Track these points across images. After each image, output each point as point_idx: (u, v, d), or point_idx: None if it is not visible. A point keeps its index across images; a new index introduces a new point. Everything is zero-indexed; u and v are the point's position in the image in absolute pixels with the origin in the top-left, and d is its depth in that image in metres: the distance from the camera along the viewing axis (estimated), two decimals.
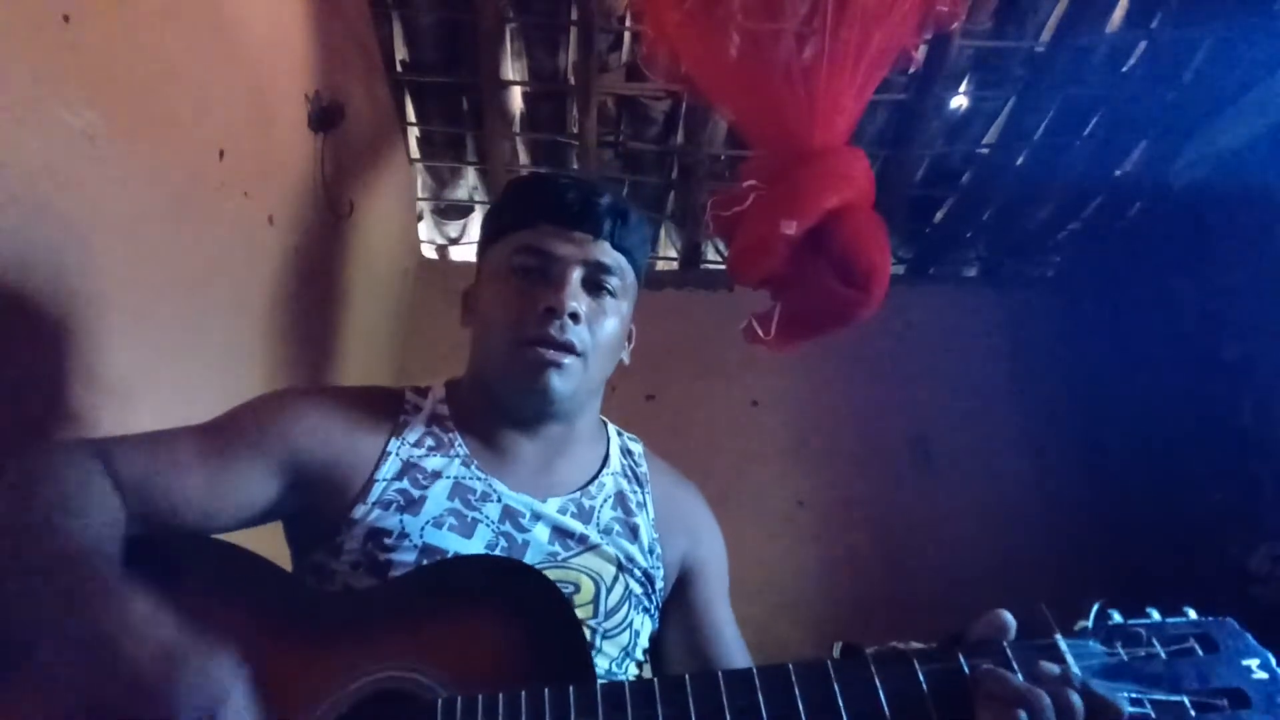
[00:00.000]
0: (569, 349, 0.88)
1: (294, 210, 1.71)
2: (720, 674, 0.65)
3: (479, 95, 2.41)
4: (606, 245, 0.93)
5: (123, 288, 1.11)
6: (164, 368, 1.22)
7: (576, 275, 0.90)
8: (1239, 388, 2.39)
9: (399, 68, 2.34)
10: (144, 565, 0.73)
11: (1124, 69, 2.33)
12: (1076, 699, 0.59)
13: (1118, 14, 2.19)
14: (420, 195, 2.89)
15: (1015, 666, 0.63)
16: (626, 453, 1.04)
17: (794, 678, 0.64)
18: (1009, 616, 0.66)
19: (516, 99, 2.54)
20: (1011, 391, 2.93)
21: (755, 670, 0.65)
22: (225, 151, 1.37)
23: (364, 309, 2.26)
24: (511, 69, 2.39)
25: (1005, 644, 0.65)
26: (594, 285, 0.92)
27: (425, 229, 3.03)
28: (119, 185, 1.08)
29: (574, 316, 0.88)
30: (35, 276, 0.94)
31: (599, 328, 0.91)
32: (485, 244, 0.99)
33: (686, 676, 0.65)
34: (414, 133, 2.63)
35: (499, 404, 0.94)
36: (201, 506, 0.81)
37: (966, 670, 0.63)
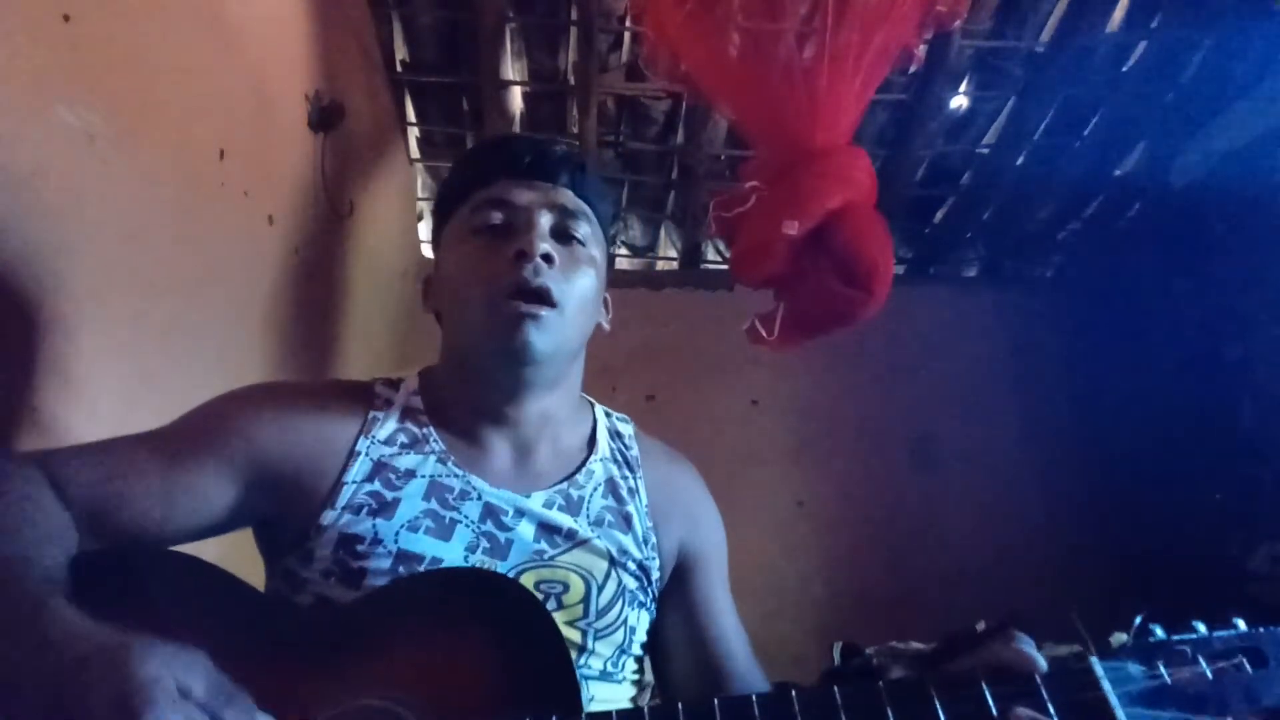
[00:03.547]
0: (544, 297, 0.81)
1: (294, 210, 1.71)
2: (716, 702, 0.61)
3: (479, 95, 2.41)
4: (569, 193, 0.89)
5: (122, 288, 1.10)
6: (164, 368, 1.22)
7: (544, 220, 0.86)
8: (1239, 388, 2.39)
9: (399, 68, 2.34)
10: (99, 584, 0.68)
11: (1124, 69, 2.34)
12: None
13: (1118, 14, 2.19)
14: (420, 195, 2.89)
15: (1048, 700, 0.59)
16: (616, 435, 0.97)
17: (796, 707, 0.60)
18: (1037, 654, 0.61)
19: (516, 99, 2.54)
20: (1011, 391, 2.93)
21: (755, 698, 0.61)
22: (225, 151, 1.37)
23: (364, 309, 2.26)
24: (511, 69, 2.39)
25: (1038, 678, 0.60)
26: (563, 233, 0.87)
27: (425, 229, 3.03)
28: (119, 185, 1.08)
29: (547, 259, 0.82)
30: (35, 276, 0.94)
31: (574, 276, 0.85)
32: (442, 221, 0.93)
33: (680, 705, 0.61)
34: (414, 133, 2.63)
35: (476, 380, 0.88)
36: (159, 517, 0.76)
37: (995, 710, 0.59)
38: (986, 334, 3.02)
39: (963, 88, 2.42)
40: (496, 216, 0.86)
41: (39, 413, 0.96)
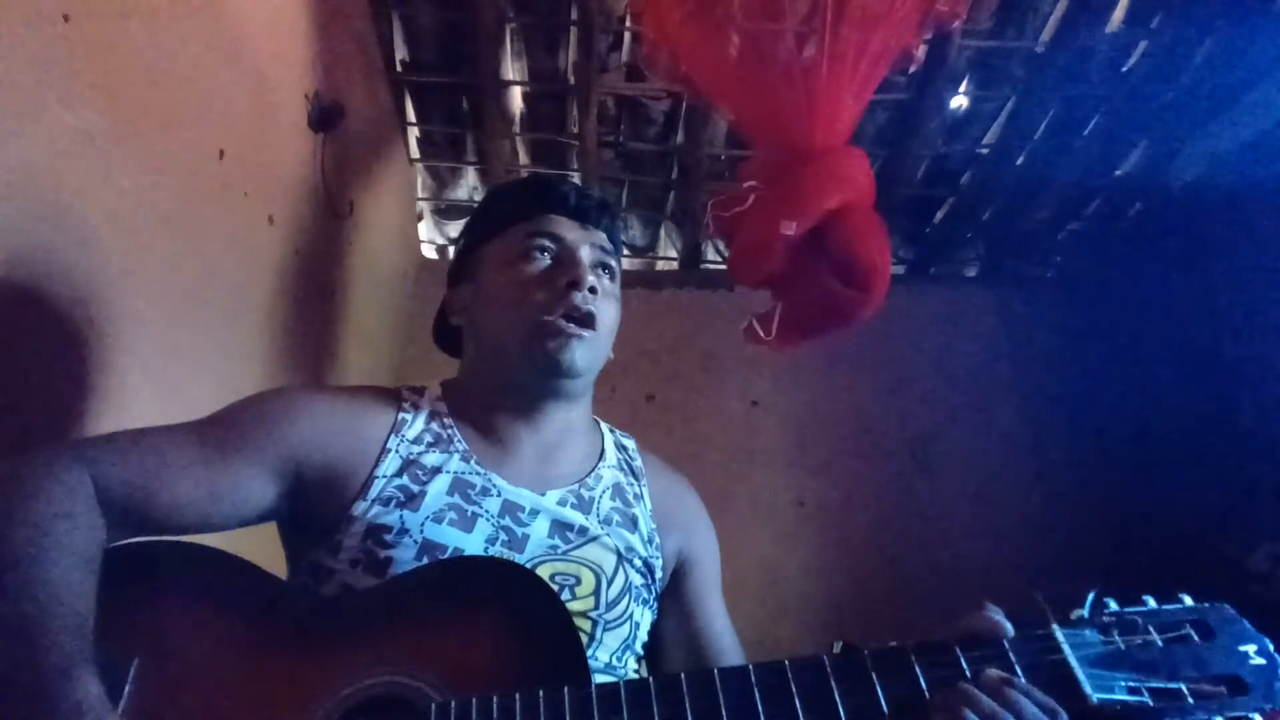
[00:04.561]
0: (589, 321, 0.92)
1: (294, 210, 1.71)
2: (716, 672, 0.65)
3: (479, 95, 2.41)
4: (603, 234, 1.02)
5: (122, 288, 1.11)
6: (163, 368, 1.22)
7: (588, 256, 0.97)
8: (1239, 387, 2.39)
9: (399, 68, 2.34)
10: (131, 575, 0.72)
11: (1124, 69, 2.33)
12: (1020, 700, 0.62)
13: (1118, 14, 2.19)
14: (420, 195, 2.89)
15: (1015, 663, 0.64)
16: (621, 448, 1.06)
17: (790, 675, 0.64)
18: (1005, 620, 0.67)
19: (516, 99, 2.54)
20: (1011, 391, 2.93)
21: (751, 667, 0.65)
22: (225, 151, 1.37)
23: (364, 309, 2.26)
24: (511, 69, 2.39)
25: (1005, 641, 0.66)
26: (598, 268, 0.98)
27: (425, 229, 3.03)
28: (119, 185, 1.08)
29: (593, 290, 0.94)
30: (34, 276, 0.94)
31: (608, 307, 0.97)
32: (481, 241, 1.03)
33: (682, 675, 0.65)
34: (414, 133, 2.63)
35: (509, 387, 0.95)
36: (199, 508, 0.80)
37: (969, 672, 0.64)
38: (986, 334, 3.01)
39: (963, 88, 2.42)
40: (549, 246, 0.97)
41: (37, 410, 0.96)
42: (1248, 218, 2.39)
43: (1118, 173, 2.69)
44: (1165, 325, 2.68)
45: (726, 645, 0.99)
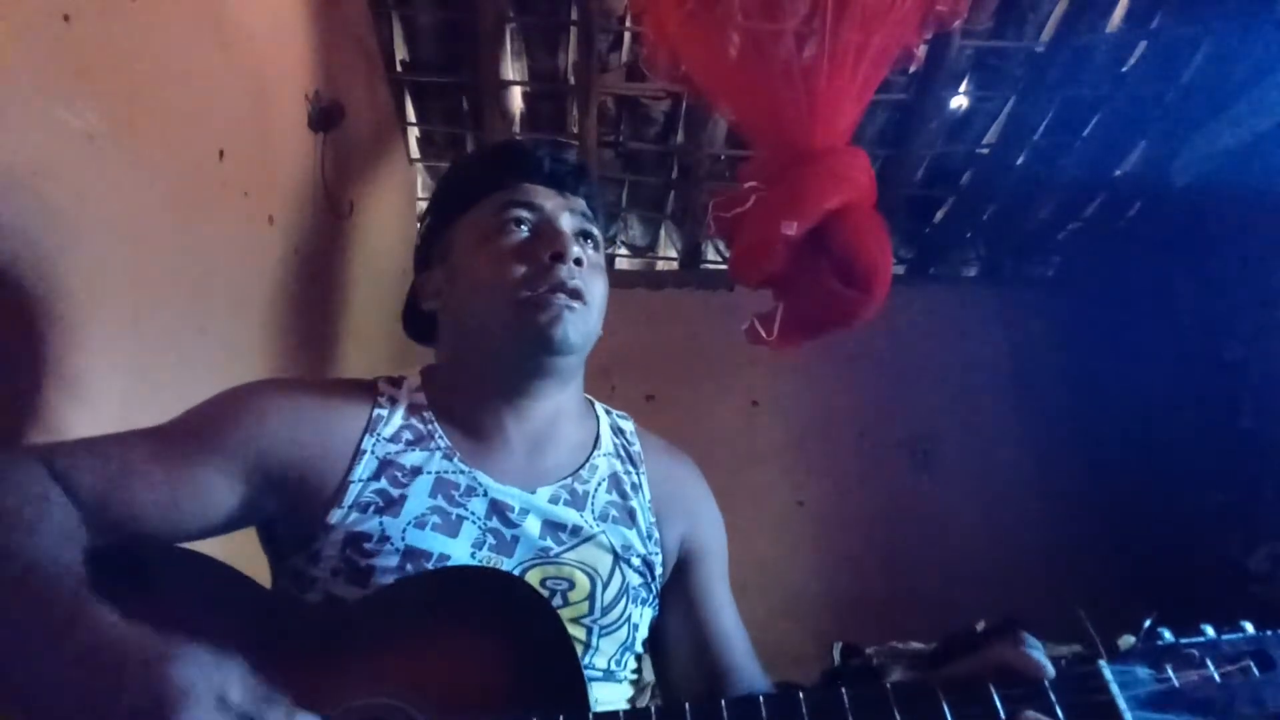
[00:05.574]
0: (578, 295, 0.85)
1: (294, 210, 1.71)
2: (724, 704, 0.61)
3: (479, 95, 2.41)
4: (582, 201, 0.93)
5: (122, 288, 1.10)
6: (164, 368, 1.22)
7: (569, 225, 0.89)
8: (1239, 388, 2.39)
9: (399, 68, 2.34)
10: (101, 580, 0.67)
11: (1124, 69, 2.34)
12: None
13: (1118, 14, 2.19)
14: (420, 195, 2.90)
15: (1056, 703, 0.58)
16: (618, 431, 0.98)
17: (804, 708, 0.60)
18: (1046, 661, 0.60)
19: (516, 99, 2.54)
20: (1011, 391, 2.93)
21: (762, 698, 0.61)
22: (225, 151, 1.37)
23: (364, 309, 2.26)
24: (511, 69, 2.39)
25: (1046, 683, 0.60)
26: (581, 237, 0.90)
27: None
28: (119, 185, 1.08)
29: (578, 261, 0.86)
30: (34, 276, 0.94)
31: (595, 278, 0.89)
32: (450, 218, 0.94)
33: (687, 706, 0.61)
34: (414, 133, 2.63)
35: (493, 372, 0.88)
36: (164, 517, 0.76)
37: (1003, 713, 0.59)
38: (986, 334, 3.02)
39: (963, 88, 2.42)
40: (526, 217, 0.89)
41: (39, 412, 0.96)
42: (1248, 218, 2.39)
43: (1118, 173, 2.70)
44: (1165, 325, 2.68)
45: (734, 640, 0.93)
